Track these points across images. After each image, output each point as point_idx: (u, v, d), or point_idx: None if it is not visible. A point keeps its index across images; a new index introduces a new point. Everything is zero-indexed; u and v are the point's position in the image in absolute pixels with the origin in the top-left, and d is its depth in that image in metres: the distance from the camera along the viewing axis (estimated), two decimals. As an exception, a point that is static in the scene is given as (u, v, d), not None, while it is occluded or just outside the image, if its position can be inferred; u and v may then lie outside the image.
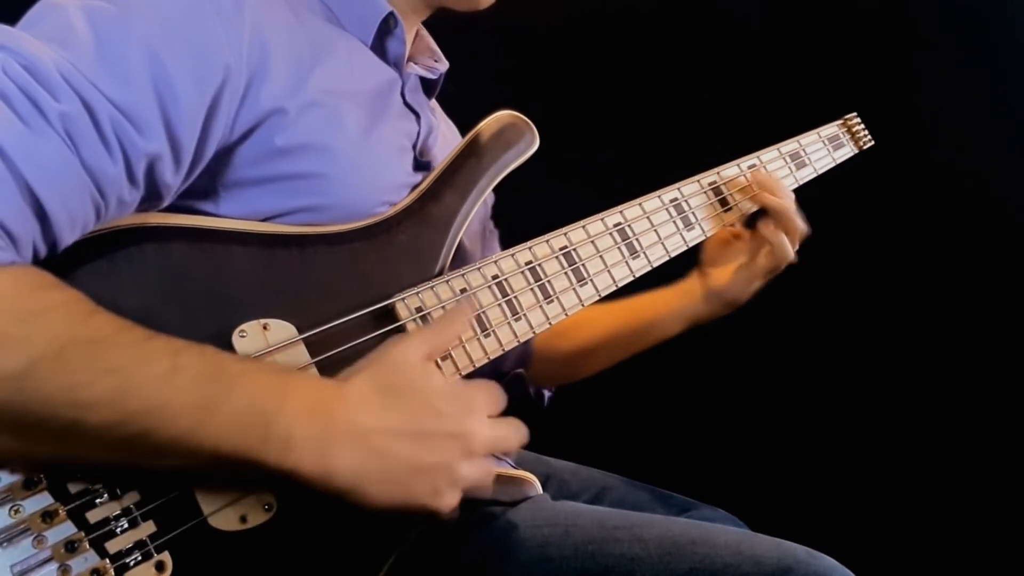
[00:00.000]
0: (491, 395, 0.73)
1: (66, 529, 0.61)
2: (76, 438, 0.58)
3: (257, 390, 0.63)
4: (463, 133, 0.90)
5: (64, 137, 0.60)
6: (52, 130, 0.59)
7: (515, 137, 0.89)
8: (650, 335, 1.10)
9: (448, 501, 0.69)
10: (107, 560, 0.62)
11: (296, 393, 0.65)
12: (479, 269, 0.83)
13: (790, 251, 1.03)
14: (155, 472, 0.63)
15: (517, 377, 1.13)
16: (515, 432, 0.74)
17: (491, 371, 1.09)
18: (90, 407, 0.57)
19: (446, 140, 0.97)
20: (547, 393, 1.18)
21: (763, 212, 1.05)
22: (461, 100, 1.08)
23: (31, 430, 0.58)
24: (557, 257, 0.89)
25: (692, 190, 1.02)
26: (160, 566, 0.64)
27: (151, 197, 0.68)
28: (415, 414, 0.68)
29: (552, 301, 0.87)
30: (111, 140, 0.62)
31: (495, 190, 0.89)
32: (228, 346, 0.69)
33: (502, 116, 0.90)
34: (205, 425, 0.60)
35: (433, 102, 0.99)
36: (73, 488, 0.62)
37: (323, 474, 0.64)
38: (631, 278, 0.94)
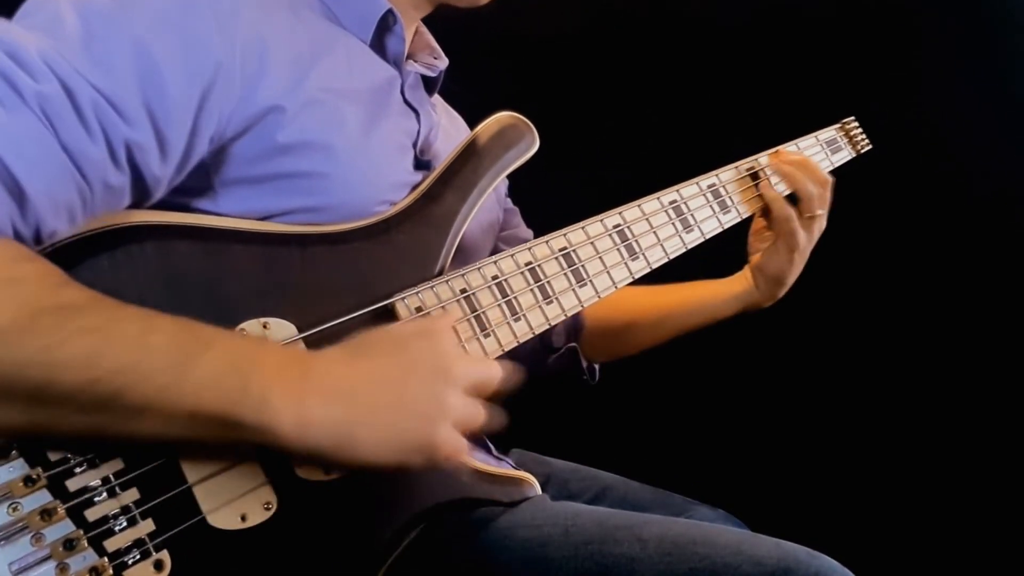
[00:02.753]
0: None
1: (65, 527, 0.61)
2: (50, 400, 0.58)
3: (232, 349, 0.63)
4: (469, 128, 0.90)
5: (40, 115, 0.60)
6: (27, 108, 0.60)
7: (515, 138, 0.89)
8: (703, 314, 1.12)
9: (445, 434, 0.67)
10: (106, 558, 0.62)
11: (270, 354, 0.65)
12: (479, 269, 0.83)
13: (786, 210, 1.05)
14: (132, 440, 0.62)
15: (571, 350, 1.14)
16: (492, 366, 0.72)
17: (544, 345, 1.11)
18: (63, 367, 0.57)
19: (448, 136, 0.97)
20: (597, 369, 1.18)
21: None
22: (461, 99, 1.08)
23: (4, 394, 0.57)
24: (557, 258, 0.89)
25: (691, 192, 1.02)
26: (159, 565, 0.63)
27: (141, 189, 0.68)
28: (387, 355, 0.68)
29: (551, 302, 0.87)
30: (91, 122, 0.62)
31: (507, 178, 0.89)
32: (228, 345, 0.69)
33: (502, 117, 0.90)
34: (180, 383, 0.59)
35: (435, 98, 0.99)
36: (72, 486, 0.62)
37: (300, 430, 0.62)
38: (630, 279, 0.94)
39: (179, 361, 0.60)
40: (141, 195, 0.69)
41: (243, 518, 0.67)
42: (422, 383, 0.67)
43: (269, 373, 0.63)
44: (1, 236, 0.60)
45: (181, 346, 0.61)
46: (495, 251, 1.06)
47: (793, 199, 1.07)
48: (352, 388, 0.65)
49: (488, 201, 0.89)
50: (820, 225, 1.08)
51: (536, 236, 1.05)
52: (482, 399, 0.70)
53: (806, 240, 1.06)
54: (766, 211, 1.08)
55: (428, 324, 0.71)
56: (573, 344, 1.14)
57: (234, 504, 0.66)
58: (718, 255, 1.08)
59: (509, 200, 1.15)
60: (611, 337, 1.16)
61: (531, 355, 1.11)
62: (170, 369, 0.60)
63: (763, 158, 1.10)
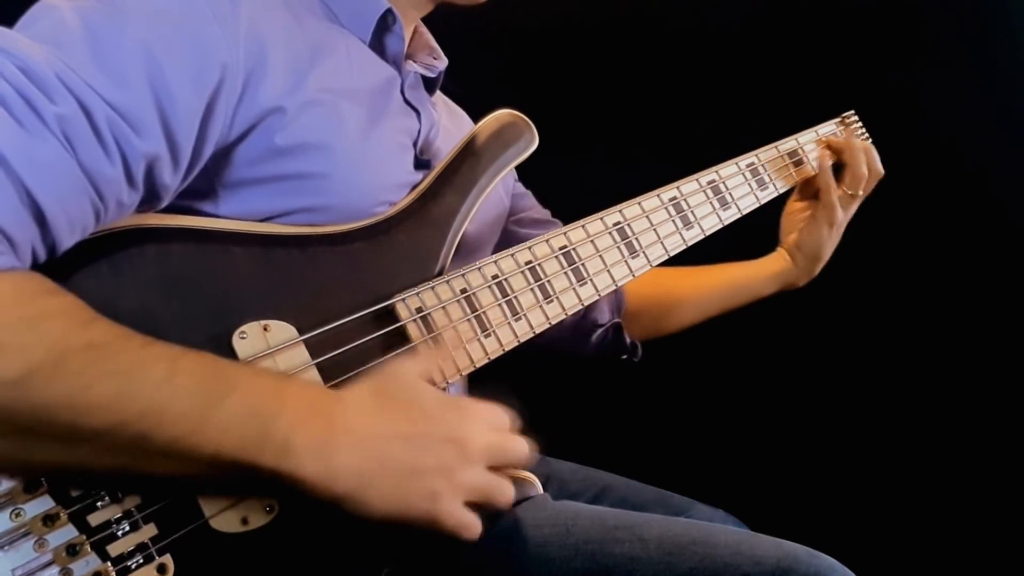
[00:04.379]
0: (493, 410, 0.72)
1: (67, 532, 0.61)
2: (76, 443, 0.58)
3: (255, 393, 0.63)
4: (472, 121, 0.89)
5: (62, 139, 0.60)
6: (49, 132, 0.59)
7: (514, 136, 0.89)
8: (742, 294, 1.16)
9: (448, 507, 0.67)
10: (109, 563, 0.62)
11: (294, 397, 0.65)
12: (479, 269, 0.83)
13: (832, 182, 1.12)
14: (155, 478, 0.62)
15: (617, 326, 1.16)
16: (517, 443, 0.72)
17: (590, 323, 1.13)
18: (89, 411, 0.57)
19: (449, 135, 0.97)
20: (638, 345, 1.20)
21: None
22: (460, 98, 1.08)
23: (31, 435, 0.57)
24: (557, 257, 0.89)
25: (691, 189, 1.02)
26: (162, 568, 0.64)
27: (150, 198, 0.68)
28: (411, 419, 0.68)
29: (552, 301, 0.87)
30: (109, 142, 0.62)
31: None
32: (229, 347, 0.69)
33: (501, 115, 0.89)
34: (204, 428, 0.60)
35: (436, 95, 0.99)
36: (74, 491, 0.62)
37: (325, 478, 0.63)
38: (630, 277, 0.94)
39: (202, 407, 0.60)
40: (150, 204, 0.69)
41: (244, 521, 0.67)
42: (439, 455, 0.67)
43: (292, 417, 0.63)
44: (24, 268, 0.59)
45: (206, 389, 0.61)
46: (510, 237, 1.07)
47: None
48: (375, 447, 0.65)
49: (492, 196, 0.89)
50: (855, 206, 1.14)
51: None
52: (504, 473, 0.71)
53: (843, 216, 1.13)
54: (805, 189, 1.14)
55: (459, 400, 0.72)
56: (618, 320, 1.16)
57: (236, 507, 0.67)
58: (722, 253, 1.09)
59: (520, 185, 1.15)
60: (653, 315, 1.18)
61: (574, 331, 1.13)
62: (194, 413, 0.60)
63: (764, 153, 1.11)
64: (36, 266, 0.61)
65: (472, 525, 0.68)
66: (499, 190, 0.99)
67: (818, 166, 1.13)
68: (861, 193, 1.13)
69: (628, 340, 1.17)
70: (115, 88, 0.62)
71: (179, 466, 0.61)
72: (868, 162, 1.13)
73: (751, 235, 1.13)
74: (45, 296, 0.59)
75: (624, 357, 1.18)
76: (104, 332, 0.60)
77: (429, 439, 0.67)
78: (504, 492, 0.70)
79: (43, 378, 0.56)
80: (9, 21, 0.65)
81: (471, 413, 0.70)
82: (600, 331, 1.15)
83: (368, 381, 0.69)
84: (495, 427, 0.71)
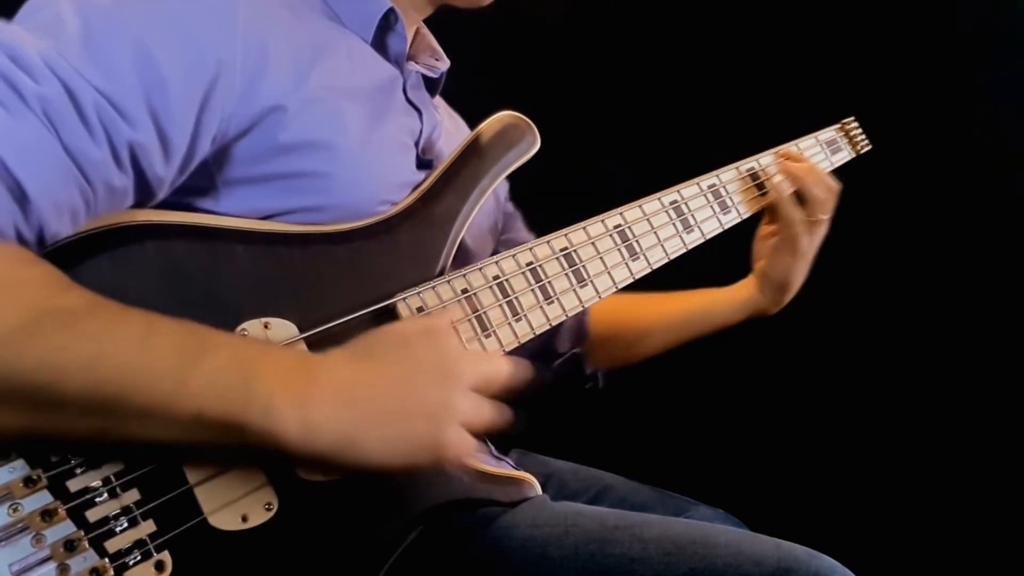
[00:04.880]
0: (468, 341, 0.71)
1: (65, 528, 0.61)
2: (53, 404, 0.57)
3: (235, 352, 0.62)
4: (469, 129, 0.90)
5: (42, 118, 0.60)
6: (30, 111, 0.60)
7: (516, 138, 0.89)
8: (707, 321, 1.13)
9: (452, 434, 0.66)
10: (106, 559, 0.62)
11: (273, 357, 0.64)
12: (480, 269, 0.83)
13: (793, 213, 1.05)
14: (136, 443, 0.61)
15: (575, 356, 1.15)
16: (500, 363, 0.71)
17: (546, 350, 1.12)
18: (66, 371, 0.57)
19: (450, 136, 0.97)
20: (601, 375, 1.18)
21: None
22: (463, 100, 1.08)
23: (7, 397, 0.57)
24: (558, 258, 0.89)
25: (691, 192, 1.02)
26: (160, 565, 0.63)
27: (144, 189, 0.68)
28: (391, 356, 0.67)
29: (553, 302, 0.87)
30: (94, 124, 0.62)
31: (508, 178, 0.90)
32: (229, 345, 0.69)
33: (503, 117, 0.90)
34: (184, 386, 0.59)
35: (438, 99, 0.99)
36: (73, 487, 0.62)
37: (306, 434, 0.61)
38: (631, 280, 0.94)
39: (182, 364, 0.59)
40: (144, 196, 0.69)
41: (244, 519, 0.67)
42: (427, 383, 0.66)
43: (273, 376, 0.62)
44: (3, 239, 0.59)
45: (184, 349, 0.60)
46: (495, 254, 1.06)
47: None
48: (357, 391, 0.64)
49: (487, 204, 0.89)
50: (823, 230, 1.08)
51: (537, 236, 1.06)
52: (490, 396, 0.69)
53: (808, 244, 1.07)
54: (772, 213, 1.08)
55: (430, 323, 0.71)
56: (576, 350, 1.14)
57: (235, 505, 0.66)
58: (725, 262, 1.09)
59: (510, 204, 1.15)
60: (616, 345, 1.16)
61: (534, 359, 1.10)
62: (173, 372, 0.59)
63: (764, 159, 1.10)
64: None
65: (472, 447, 0.67)
66: (492, 202, 0.99)
67: (778, 200, 1.06)
68: (824, 217, 1.07)
69: (588, 370, 1.16)
70: (103, 75, 0.63)
71: (160, 429, 0.60)
72: (819, 182, 1.07)
73: (735, 255, 1.12)
74: (22, 264, 0.59)
75: (588, 386, 1.17)
76: (80, 297, 0.60)
77: (415, 377, 0.66)
78: (500, 414, 0.69)
79: (18, 340, 0.56)
80: (9, 15, 0.66)
81: (448, 336, 0.69)
82: (560, 360, 1.14)
83: (349, 343, 0.68)
84: (476, 352, 0.71)
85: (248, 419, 0.60)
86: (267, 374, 0.62)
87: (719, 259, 1.08)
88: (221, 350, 0.62)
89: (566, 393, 1.12)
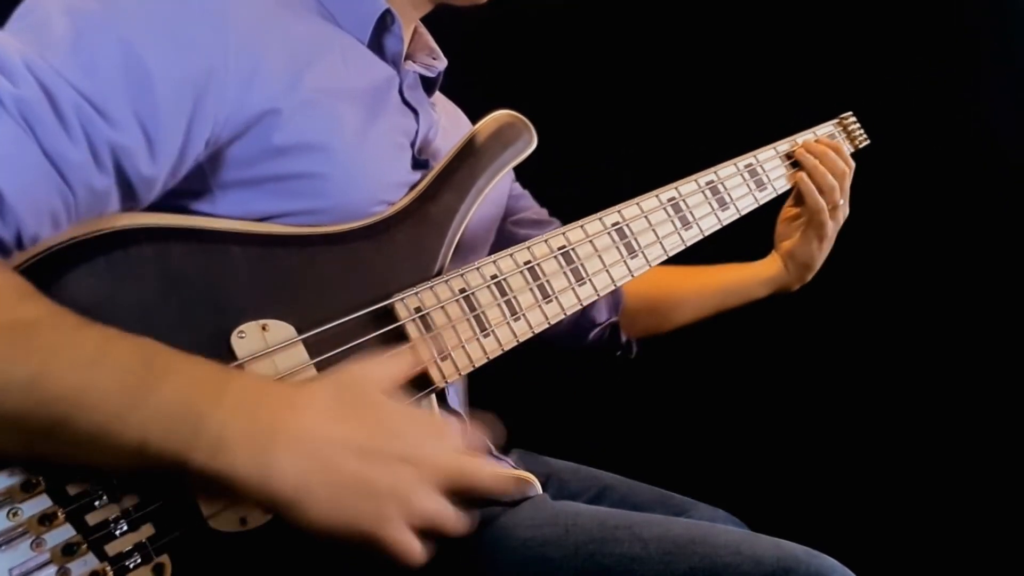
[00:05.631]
0: (455, 429, 0.68)
1: (65, 532, 0.61)
2: None
3: (191, 383, 0.59)
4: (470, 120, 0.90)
5: (20, 121, 0.60)
6: (6, 113, 0.59)
7: (513, 136, 0.89)
8: (736, 296, 1.18)
9: (395, 533, 0.61)
10: (106, 563, 0.61)
11: (236, 390, 0.60)
12: (478, 269, 0.83)
13: (820, 202, 1.11)
14: (75, 467, 0.59)
15: (614, 326, 1.19)
16: (478, 468, 0.67)
17: (588, 320, 1.15)
18: (5, 389, 0.54)
19: (448, 135, 0.97)
20: (635, 343, 1.22)
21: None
22: (460, 98, 1.08)
23: None
24: (555, 257, 0.89)
25: (689, 189, 1.02)
26: (159, 568, 0.63)
27: (128, 191, 0.67)
28: (369, 430, 0.62)
29: (551, 301, 0.87)
30: (73, 125, 0.62)
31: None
32: (227, 347, 0.68)
33: (500, 115, 0.90)
34: (126, 417, 0.56)
35: (436, 95, 0.99)
36: (72, 490, 0.61)
37: (260, 477, 0.58)
38: (629, 278, 0.94)
39: (128, 394, 0.56)
40: (130, 198, 0.68)
41: (243, 521, 0.66)
42: (396, 475, 0.62)
43: (230, 410, 0.58)
44: None
45: (135, 374, 0.57)
46: (509, 238, 1.08)
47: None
48: (325, 454, 0.60)
49: (489, 196, 0.88)
50: (844, 212, 1.14)
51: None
52: (458, 501, 0.64)
53: (832, 228, 1.13)
54: (796, 197, 1.14)
55: (427, 415, 0.69)
56: (615, 319, 1.18)
57: (235, 507, 0.66)
58: (728, 250, 1.09)
59: (517, 185, 1.16)
60: (651, 315, 1.20)
61: (572, 327, 1.14)
62: (117, 399, 0.56)
63: (762, 154, 1.11)
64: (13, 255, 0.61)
65: (415, 553, 0.62)
66: (495, 193, 0.99)
67: (804, 190, 1.11)
68: (841, 201, 1.13)
69: (624, 338, 1.19)
70: (85, 77, 0.62)
71: (100, 456, 0.57)
72: (830, 168, 1.11)
73: (748, 235, 1.13)
74: None
75: (619, 354, 1.20)
76: (35, 310, 0.57)
77: (385, 456, 0.62)
78: (456, 523, 0.64)
79: None
80: (5, 16, 0.66)
81: (433, 432, 0.66)
82: (597, 329, 1.17)
83: (331, 380, 0.65)
84: (456, 449, 0.66)
85: (193, 457, 0.57)
86: (223, 408, 0.58)
87: (715, 249, 1.08)
88: (177, 377, 0.58)
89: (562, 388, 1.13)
